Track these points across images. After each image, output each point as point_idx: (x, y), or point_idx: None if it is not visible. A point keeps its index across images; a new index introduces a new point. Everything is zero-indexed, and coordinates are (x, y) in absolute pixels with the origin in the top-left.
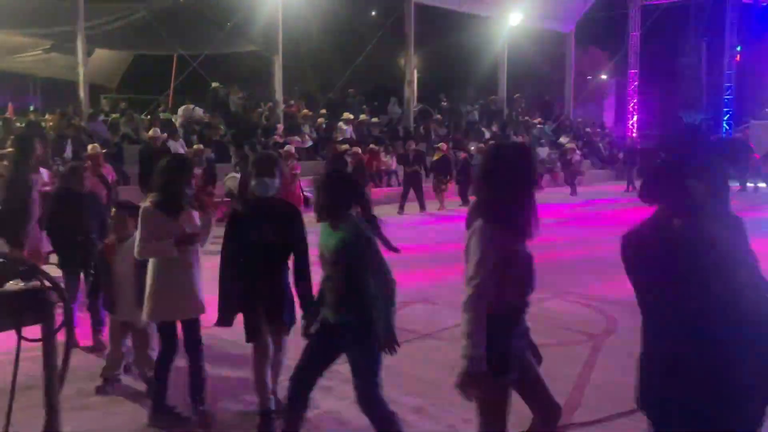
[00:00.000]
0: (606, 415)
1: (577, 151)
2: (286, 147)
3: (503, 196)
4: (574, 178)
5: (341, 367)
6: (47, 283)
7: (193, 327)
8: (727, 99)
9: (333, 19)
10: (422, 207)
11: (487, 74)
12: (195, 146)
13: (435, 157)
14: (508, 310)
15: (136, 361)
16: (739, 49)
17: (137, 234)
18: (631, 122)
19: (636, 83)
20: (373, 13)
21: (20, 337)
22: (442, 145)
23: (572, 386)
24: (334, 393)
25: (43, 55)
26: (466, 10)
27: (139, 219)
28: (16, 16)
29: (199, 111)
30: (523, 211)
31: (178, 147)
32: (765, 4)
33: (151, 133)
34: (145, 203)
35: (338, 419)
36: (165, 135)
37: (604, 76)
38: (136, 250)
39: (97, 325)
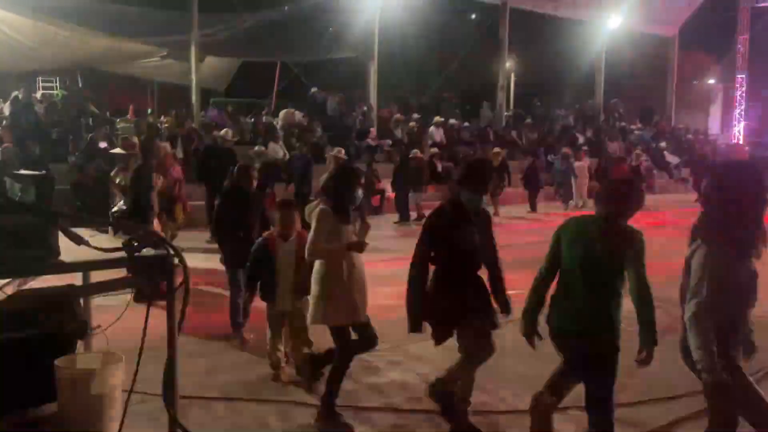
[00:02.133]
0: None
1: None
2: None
3: (729, 215)
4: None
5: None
6: (171, 251)
7: (367, 327)
8: None
9: (429, 24)
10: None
11: (584, 79)
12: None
13: (495, 164)
14: (729, 322)
15: (294, 353)
16: None
17: (311, 234)
18: (737, 129)
19: (744, 89)
20: (473, 16)
21: (154, 290)
22: (499, 150)
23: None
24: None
25: (160, 62)
26: (563, 14)
27: (315, 219)
28: (137, 26)
29: (298, 114)
30: (748, 230)
31: (277, 149)
32: None
33: (222, 132)
34: (322, 205)
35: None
36: (234, 137)
37: (711, 81)
38: (308, 249)
39: (244, 318)
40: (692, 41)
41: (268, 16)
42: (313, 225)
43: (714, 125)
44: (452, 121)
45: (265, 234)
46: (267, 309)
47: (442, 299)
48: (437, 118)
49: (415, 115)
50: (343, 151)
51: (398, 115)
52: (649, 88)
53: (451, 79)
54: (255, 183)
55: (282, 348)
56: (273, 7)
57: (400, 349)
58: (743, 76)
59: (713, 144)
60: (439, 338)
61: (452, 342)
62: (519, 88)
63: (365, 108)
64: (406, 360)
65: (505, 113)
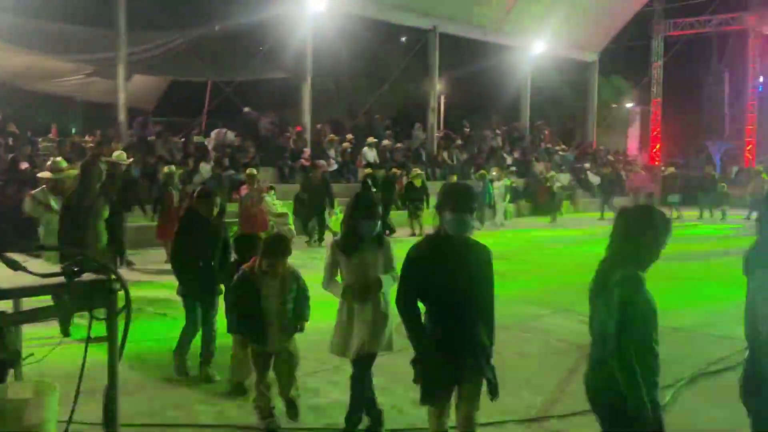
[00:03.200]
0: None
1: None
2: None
3: None
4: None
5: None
6: (113, 276)
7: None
8: (749, 129)
9: (361, 46)
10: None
11: (511, 101)
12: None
13: (417, 184)
14: None
15: (281, 391)
16: (761, 80)
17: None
18: (654, 150)
19: (659, 112)
20: (403, 39)
21: (92, 317)
22: (419, 172)
23: (554, 386)
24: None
25: (84, 80)
26: (491, 39)
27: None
28: (61, 44)
29: (230, 135)
30: None
31: (208, 169)
32: None
33: (115, 155)
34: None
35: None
36: (130, 160)
37: (629, 105)
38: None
39: (210, 357)
40: (612, 67)
41: (198, 34)
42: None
43: (633, 146)
44: (385, 141)
45: (246, 267)
46: (252, 351)
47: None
48: (370, 139)
49: (349, 136)
50: (255, 171)
51: (331, 136)
52: (572, 111)
53: (384, 101)
54: (216, 209)
55: (269, 393)
56: (203, 25)
57: (341, 369)
58: (658, 99)
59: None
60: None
61: (389, 360)
62: (449, 110)
63: (299, 128)
64: (347, 380)
65: (436, 134)
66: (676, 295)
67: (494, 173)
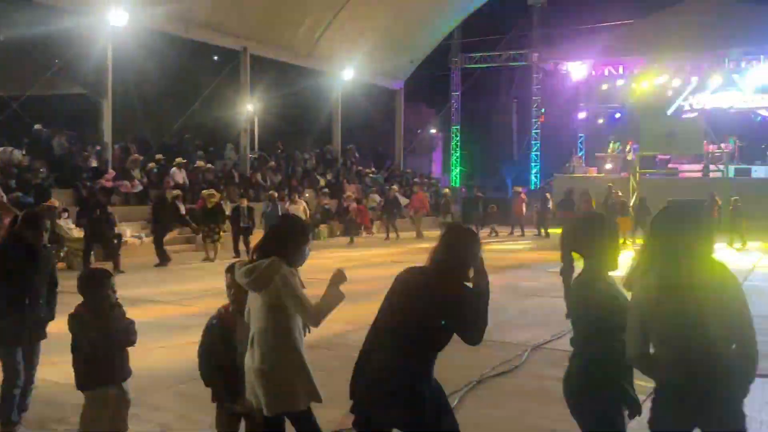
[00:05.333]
0: None
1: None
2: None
3: None
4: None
5: None
6: None
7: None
8: (535, 155)
9: (170, 63)
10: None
11: (324, 124)
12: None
13: (209, 206)
14: None
15: None
16: (543, 111)
17: (300, 296)
18: (455, 173)
19: (458, 138)
20: (215, 58)
21: None
22: (214, 193)
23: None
24: None
25: None
26: (301, 63)
27: (287, 275)
28: None
29: (18, 154)
30: None
31: None
32: (564, 73)
33: None
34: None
35: None
36: None
37: (433, 130)
38: (314, 316)
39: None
40: (417, 94)
41: None
42: (290, 282)
43: (437, 169)
44: (199, 163)
45: (220, 308)
46: (218, 412)
47: None
48: (179, 159)
49: (157, 156)
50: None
51: (136, 155)
52: (381, 135)
53: (195, 120)
54: (46, 235)
55: None
56: None
57: (138, 399)
58: (457, 126)
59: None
60: None
61: (193, 389)
62: (264, 131)
63: (98, 147)
64: (145, 411)
65: (250, 155)
66: None
67: (307, 195)
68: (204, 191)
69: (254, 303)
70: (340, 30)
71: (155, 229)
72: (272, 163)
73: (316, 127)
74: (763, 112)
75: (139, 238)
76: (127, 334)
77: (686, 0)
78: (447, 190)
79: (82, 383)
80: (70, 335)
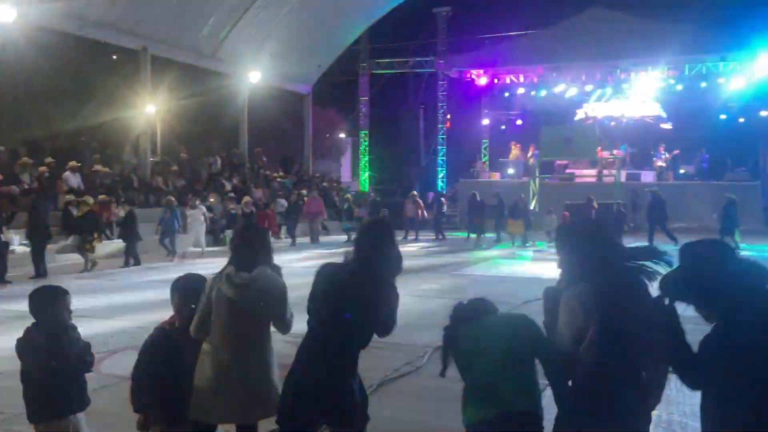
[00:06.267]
0: None
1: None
2: None
3: None
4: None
5: None
6: None
7: None
8: (441, 160)
9: (62, 63)
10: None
11: (231, 128)
12: None
13: (79, 213)
14: None
15: None
16: (448, 117)
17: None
18: (363, 177)
19: (367, 142)
20: (114, 57)
21: None
22: (89, 199)
23: None
24: None
25: None
26: (205, 65)
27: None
28: None
29: None
30: None
31: None
32: (468, 80)
33: None
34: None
35: None
36: None
37: (341, 135)
38: (290, 325)
39: None
40: (324, 99)
41: None
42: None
43: (346, 174)
44: (96, 166)
45: (164, 324)
46: None
47: None
48: (72, 163)
49: (48, 159)
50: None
51: (26, 158)
52: (289, 139)
53: (92, 122)
54: None
55: None
56: None
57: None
58: (366, 131)
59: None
60: None
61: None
62: (166, 134)
63: None
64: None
65: (151, 159)
66: None
67: (212, 200)
68: (71, 197)
69: (227, 313)
70: (246, 32)
71: (31, 236)
72: (175, 168)
73: (223, 131)
74: (651, 120)
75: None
76: (83, 359)
77: (581, 14)
78: (349, 195)
79: (34, 415)
80: (19, 362)
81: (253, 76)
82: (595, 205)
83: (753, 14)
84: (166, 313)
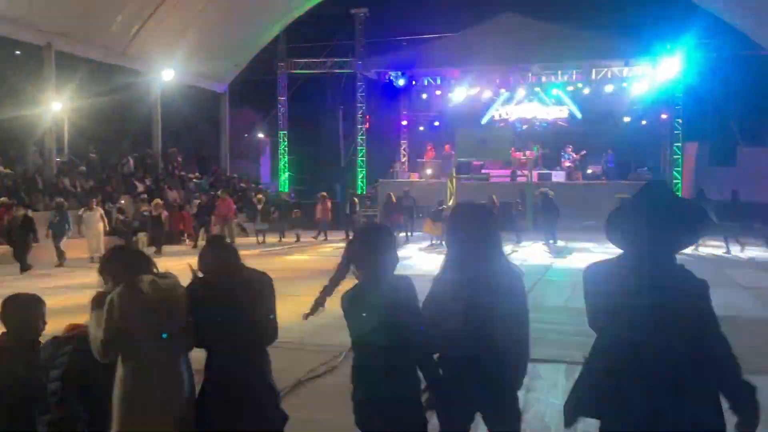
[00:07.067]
0: None
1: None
2: None
3: None
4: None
5: None
6: None
7: None
8: (361, 160)
9: None
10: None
11: (143, 127)
12: None
13: None
14: None
15: None
16: (367, 118)
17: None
18: (283, 178)
19: (286, 143)
20: (17, 53)
21: None
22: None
23: None
24: None
25: None
26: (114, 62)
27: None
28: None
29: None
30: None
31: None
32: (386, 81)
33: None
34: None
35: None
36: None
37: (260, 135)
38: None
39: None
40: (242, 99)
41: None
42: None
43: (265, 174)
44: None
45: (78, 335)
46: None
47: None
48: None
49: None
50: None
51: None
52: (206, 139)
53: None
54: None
55: None
56: None
57: None
58: (285, 132)
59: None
60: None
61: None
62: (73, 134)
63: None
64: None
65: (57, 159)
66: (287, 311)
67: (122, 201)
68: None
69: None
70: (158, 29)
71: None
72: (82, 168)
73: (135, 130)
74: (561, 123)
75: None
76: None
77: (495, 18)
78: (261, 195)
79: None
80: None
81: (166, 74)
82: (497, 203)
83: (655, 23)
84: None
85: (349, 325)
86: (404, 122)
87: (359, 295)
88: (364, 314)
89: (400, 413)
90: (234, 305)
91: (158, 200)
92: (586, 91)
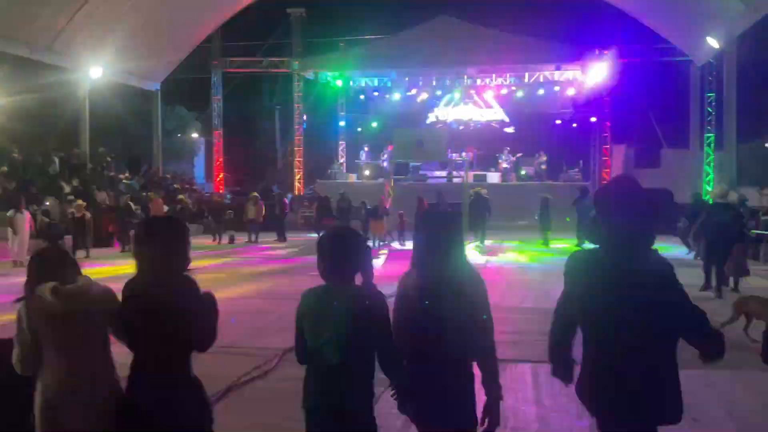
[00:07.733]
0: None
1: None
2: None
3: None
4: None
5: None
6: None
7: None
8: (298, 161)
9: None
10: None
11: (70, 126)
12: None
13: None
14: None
15: None
16: (305, 118)
17: None
18: (218, 178)
19: (221, 143)
20: None
21: None
22: None
23: None
24: None
25: None
26: (40, 58)
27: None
28: None
29: None
30: None
31: None
32: (324, 82)
33: None
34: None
35: None
36: None
37: (194, 135)
38: None
39: None
40: (176, 97)
41: None
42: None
43: (200, 174)
44: None
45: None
46: None
47: None
48: None
49: None
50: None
51: None
52: (137, 139)
53: None
54: None
55: None
56: None
57: None
58: (220, 131)
59: (199, 193)
60: None
61: None
62: None
63: None
64: None
65: None
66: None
67: (48, 203)
68: None
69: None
70: (87, 24)
71: None
72: (4, 168)
73: (61, 130)
74: (496, 125)
75: None
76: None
77: (431, 21)
78: (182, 197)
79: None
80: None
81: (95, 72)
82: (426, 205)
83: (584, 30)
84: None
85: (304, 330)
86: (342, 123)
87: (321, 301)
88: (323, 322)
89: (352, 423)
90: (159, 311)
91: (81, 201)
92: (520, 94)
